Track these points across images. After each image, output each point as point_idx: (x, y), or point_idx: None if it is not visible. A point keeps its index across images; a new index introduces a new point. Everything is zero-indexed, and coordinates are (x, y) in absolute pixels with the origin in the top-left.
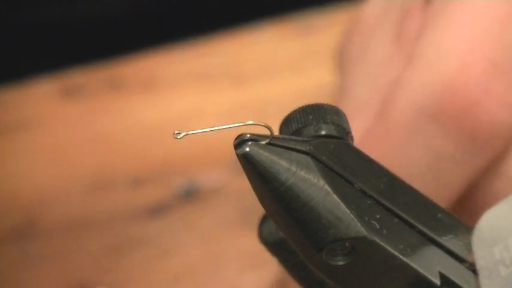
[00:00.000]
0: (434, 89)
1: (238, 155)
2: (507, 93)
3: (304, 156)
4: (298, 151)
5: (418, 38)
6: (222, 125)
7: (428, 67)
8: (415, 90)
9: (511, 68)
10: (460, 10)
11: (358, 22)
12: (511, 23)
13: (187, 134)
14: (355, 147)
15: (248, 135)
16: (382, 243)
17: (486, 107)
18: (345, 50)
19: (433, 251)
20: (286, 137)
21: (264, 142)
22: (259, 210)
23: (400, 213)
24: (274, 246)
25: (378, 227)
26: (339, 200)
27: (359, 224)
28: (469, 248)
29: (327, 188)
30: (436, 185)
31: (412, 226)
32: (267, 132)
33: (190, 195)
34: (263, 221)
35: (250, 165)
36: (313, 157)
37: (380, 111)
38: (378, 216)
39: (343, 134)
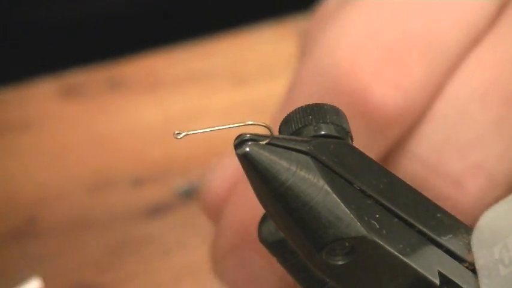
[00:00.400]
0: (329, 75)
1: (238, 155)
2: (402, 77)
3: (304, 156)
4: (298, 151)
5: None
6: (222, 125)
7: (322, 51)
8: (311, 79)
9: (411, 55)
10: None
11: (321, 9)
12: (415, 11)
13: (187, 134)
14: (355, 147)
15: (248, 135)
16: (381, 243)
17: (377, 90)
18: (307, 35)
19: (432, 251)
20: (286, 137)
21: (264, 142)
22: None
23: (399, 213)
24: (274, 246)
25: (378, 226)
26: (339, 200)
27: (359, 223)
28: (468, 247)
29: (327, 188)
30: None
31: (411, 226)
32: (267, 132)
33: (190, 195)
34: (263, 221)
35: (250, 165)
36: (313, 157)
37: (283, 100)
38: (377, 216)
39: (343, 134)
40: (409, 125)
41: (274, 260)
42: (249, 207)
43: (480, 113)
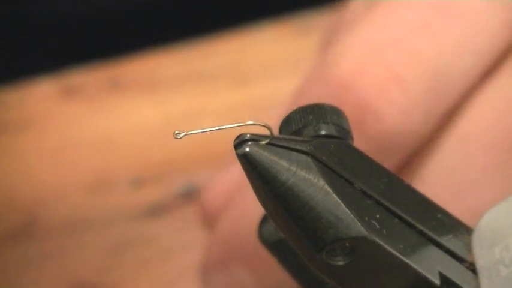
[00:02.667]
0: (334, 86)
1: (238, 155)
2: (403, 98)
3: (304, 156)
4: (298, 151)
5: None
6: (222, 125)
7: (329, 66)
8: (317, 87)
9: (414, 77)
10: (377, 12)
11: (348, 7)
12: (424, 33)
13: (187, 134)
14: (355, 147)
15: (248, 135)
16: (382, 243)
17: (378, 109)
18: (330, 33)
19: (433, 251)
20: (286, 137)
21: (264, 142)
22: None
23: (400, 213)
24: (274, 246)
25: (378, 227)
26: (339, 200)
27: (359, 224)
28: (468, 247)
29: (327, 188)
30: None
31: (412, 226)
32: (267, 132)
33: (190, 195)
34: (263, 221)
35: (250, 165)
36: (313, 157)
37: (290, 101)
38: (377, 216)
39: (343, 134)
40: (409, 150)
41: (262, 273)
42: (241, 221)
43: (482, 156)
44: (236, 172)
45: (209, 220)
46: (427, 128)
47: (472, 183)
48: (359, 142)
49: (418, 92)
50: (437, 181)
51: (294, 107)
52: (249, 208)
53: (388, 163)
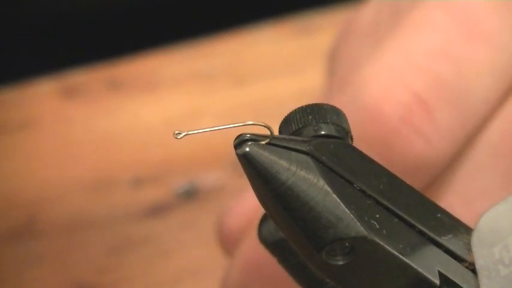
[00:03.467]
0: (357, 115)
1: (238, 155)
2: (428, 126)
3: (304, 156)
4: (298, 151)
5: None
6: (222, 125)
7: (353, 92)
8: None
9: (439, 102)
10: (399, 35)
11: (352, 27)
12: (446, 56)
13: (188, 134)
14: (355, 147)
15: (248, 135)
16: (381, 243)
17: (403, 137)
18: (336, 54)
19: (432, 251)
20: (286, 137)
21: (264, 142)
22: None
23: (399, 213)
24: (274, 246)
25: (378, 226)
26: (339, 200)
27: (359, 223)
28: (468, 247)
29: (327, 188)
30: None
31: (411, 226)
32: (267, 132)
33: (190, 195)
34: (263, 221)
35: (250, 165)
36: (313, 157)
37: None
38: (377, 216)
39: (343, 134)
40: (434, 173)
41: None
42: (260, 247)
43: (494, 165)
44: (255, 197)
45: (228, 245)
46: (452, 153)
47: (483, 191)
48: (386, 166)
49: (443, 117)
50: (448, 188)
51: None
52: None
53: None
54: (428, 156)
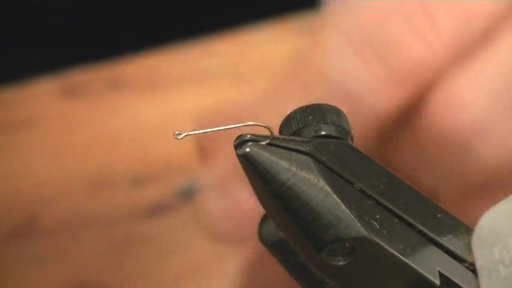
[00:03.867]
0: (365, 24)
1: (238, 155)
2: (434, 34)
3: (304, 157)
4: (298, 151)
5: None
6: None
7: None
8: (348, 20)
9: (443, 14)
10: None
11: None
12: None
13: (188, 135)
14: (355, 148)
15: (248, 136)
16: (382, 243)
17: (408, 45)
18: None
19: (432, 251)
20: (287, 137)
21: (264, 142)
22: None
23: (400, 213)
24: (274, 246)
25: (378, 227)
26: (339, 200)
27: (359, 224)
28: (468, 248)
29: (327, 188)
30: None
31: (412, 226)
32: (267, 132)
33: (190, 195)
34: (263, 221)
35: (251, 166)
36: (313, 157)
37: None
38: (378, 216)
39: (343, 134)
40: (427, 81)
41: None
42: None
43: (495, 160)
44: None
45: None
46: (449, 62)
47: (485, 187)
48: (381, 70)
49: (446, 26)
50: (451, 184)
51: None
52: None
53: (405, 91)
54: (427, 61)
